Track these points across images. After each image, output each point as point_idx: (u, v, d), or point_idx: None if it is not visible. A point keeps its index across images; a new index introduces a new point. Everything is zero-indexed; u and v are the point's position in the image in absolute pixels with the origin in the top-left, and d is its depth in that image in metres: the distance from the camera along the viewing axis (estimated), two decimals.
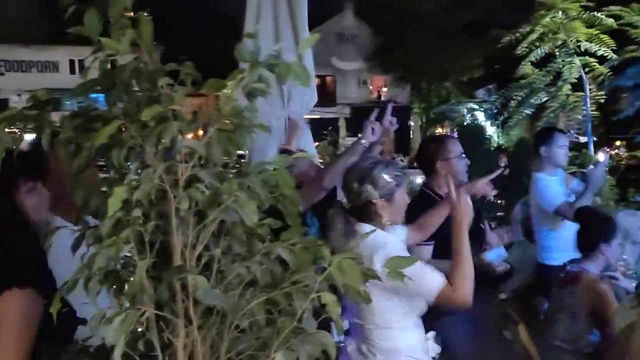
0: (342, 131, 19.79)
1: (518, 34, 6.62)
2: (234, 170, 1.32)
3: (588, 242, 2.98)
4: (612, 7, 6.46)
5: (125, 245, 1.11)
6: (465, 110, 12.47)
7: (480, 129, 9.13)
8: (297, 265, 1.19)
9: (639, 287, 2.87)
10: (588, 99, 6.37)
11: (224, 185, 1.17)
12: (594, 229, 2.98)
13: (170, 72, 1.19)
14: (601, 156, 4.11)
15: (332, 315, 1.15)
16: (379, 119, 2.66)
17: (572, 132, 7.36)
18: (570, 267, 2.98)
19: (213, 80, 1.23)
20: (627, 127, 10.54)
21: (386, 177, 1.99)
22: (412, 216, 2.35)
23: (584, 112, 6.48)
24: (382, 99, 24.15)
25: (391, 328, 1.87)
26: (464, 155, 2.93)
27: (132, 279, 1.13)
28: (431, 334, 2.08)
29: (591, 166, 4.08)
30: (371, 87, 26.87)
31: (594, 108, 6.41)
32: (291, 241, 1.21)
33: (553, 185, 3.74)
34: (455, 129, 12.26)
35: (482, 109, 10.70)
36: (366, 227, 1.95)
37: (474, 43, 20.91)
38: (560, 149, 3.77)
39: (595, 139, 6.76)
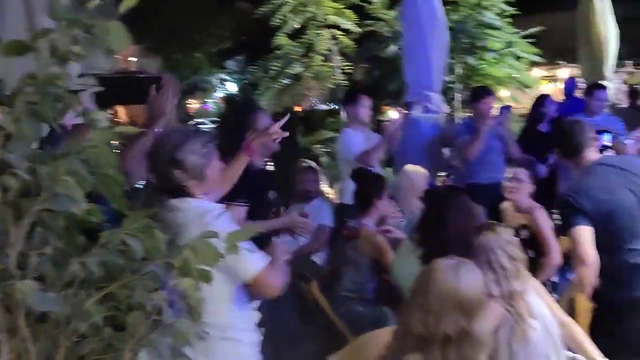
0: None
1: (272, 6, 6.85)
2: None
3: (363, 199, 3.28)
4: None
5: None
6: (216, 81, 12.52)
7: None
8: (145, 252, 1.06)
9: (412, 234, 3.20)
10: (337, 69, 6.96)
11: (43, 169, 0.97)
12: (367, 187, 3.29)
13: None
14: (395, 114, 4.68)
15: (190, 301, 1.06)
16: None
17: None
18: (351, 223, 3.26)
19: (13, 41, 1.00)
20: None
21: (194, 157, 1.88)
22: None
23: (334, 81, 7.06)
24: (132, 69, 22.76)
25: (218, 304, 1.81)
26: None
27: None
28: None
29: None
30: (119, 57, 25.10)
31: (343, 78, 7.02)
32: (134, 227, 1.07)
33: (355, 138, 4.20)
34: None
35: (235, 80, 10.87)
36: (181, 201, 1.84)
37: (223, 14, 20.97)
38: (363, 108, 4.25)
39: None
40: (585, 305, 3.31)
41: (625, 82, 10.10)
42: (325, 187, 5.61)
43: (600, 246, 2.44)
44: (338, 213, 4.09)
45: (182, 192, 1.86)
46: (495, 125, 4.47)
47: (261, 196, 2.52)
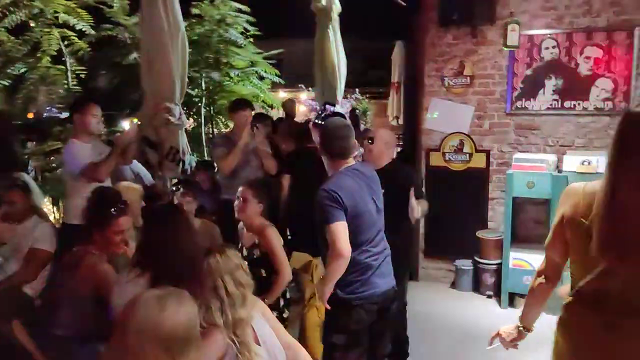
0: None
1: None
2: None
3: (92, 219, 2.87)
4: None
5: None
6: None
7: None
8: None
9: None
10: (69, 73, 6.27)
11: None
12: (98, 205, 2.89)
13: None
14: (127, 125, 4.30)
15: None
16: None
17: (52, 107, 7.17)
18: (75, 248, 2.84)
19: None
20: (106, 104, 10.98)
21: None
22: None
23: (66, 86, 6.35)
24: None
25: None
26: None
27: None
28: None
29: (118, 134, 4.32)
30: None
31: (75, 82, 6.34)
32: None
33: (82, 150, 3.82)
34: None
35: None
36: None
37: None
38: (93, 117, 3.91)
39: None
40: (314, 320, 3.46)
41: (353, 108, 11.30)
42: (47, 205, 4.96)
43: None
44: (61, 235, 3.61)
45: None
46: (252, 140, 4.48)
47: None
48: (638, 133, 1.74)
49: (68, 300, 2.71)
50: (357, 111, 10.77)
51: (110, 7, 6.82)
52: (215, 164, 5.13)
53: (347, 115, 8.46)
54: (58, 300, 2.77)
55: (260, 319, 2.09)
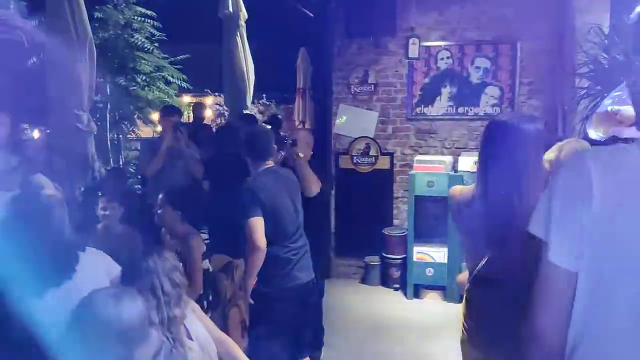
0: None
1: None
2: None
3: None
4: None
5: None
6: None
7: None
8: None
9: None
10: None
11: None
12: None
13: None
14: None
15: None
16: None
17: None
18: None
19: None
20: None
21: None
22: None
23: None
24: None
25: None
26: None
27: None
28: None
29: None
30: None
31: None
32: None
33: None
34: None
35: None
36: None
37: None
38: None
39: None
40: (235, 318, 3.59)
41: (261, 113, 11.44)
42: None
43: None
44: None
45: None
46: (175, 143, 4.49)
47: None
48: (497, 139, 2.04)
49: None
50: (280, 116, 10.91)
51: (7, 8, 6.51)
52: (141, 168, 5.09)
53: (262, 118, 8.62)
54: None
55: (192, 316, 2.21)
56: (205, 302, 3.34)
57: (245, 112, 6.25)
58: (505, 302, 2.06)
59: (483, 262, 2.07)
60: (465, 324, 2.22)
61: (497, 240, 2.01)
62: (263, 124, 3.47)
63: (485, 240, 2.04)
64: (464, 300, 2.26)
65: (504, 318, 2.07)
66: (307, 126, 8.08)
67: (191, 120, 8.95)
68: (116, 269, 2.38)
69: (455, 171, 5.53)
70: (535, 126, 2.01)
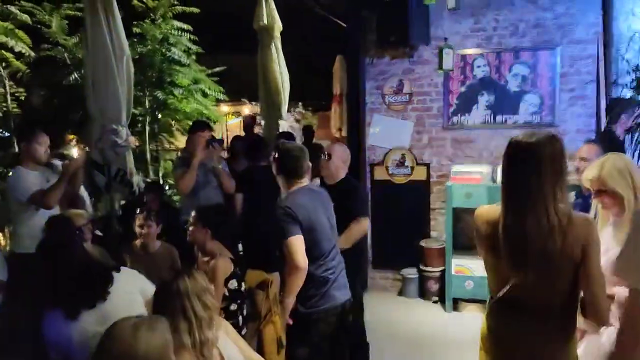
0: None
1: None
2: None
3: None
4: (24, 3, 6.40)
5: None
6: None
7: None
8: None
9: None
10: (8, 95, 6.13)
11: None
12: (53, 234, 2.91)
13: None
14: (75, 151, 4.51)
15: None
16: None
17: None
18: None
19: None
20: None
21: None
22: None
23: (5, 108, 6.21)
24: None
25: None
26: None
27: None
28: None
29: (56, 160, 4.26)
30: None
31: (14, 105, 6.21)
32: None
33: (29, 177, 3.84)
34: None
35: None
36: None
37: None
38: (39, 146, 3.91)
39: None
40: (271, 335, 3.58)
41: (297, 121, 11.48)
42: None
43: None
44: (10, 264, 3.56)
45: None
46: (206, 159, 4.51)
47: None
48: (518, 158, 2.00)
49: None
50: (314, 127, 10.94)
51: (49, 27, 6.73)
52: (175, 185, 5.12)
53: (299, 132, 8.62)
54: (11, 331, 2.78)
55: (225, 338, 2.20)
56: (240, 318, 3.34)
57: (281, 129, 6.27)
58: (530, 328, 1.99)
59: (508, 286, 2.01)
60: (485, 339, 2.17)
61: (521, 264, 1.95)
62: (294, 142, 3.42)
63: (510, 264, 1.98)
64: (483, 325, 2.19)
65: (529, 344, 2.00)
66: (343, 134, 8.05)
67: (243, 133, 9.00)
68: (151, 289, 2.39)
69: (494, 181, 5.39)
70: (550, 143, 1.97)
